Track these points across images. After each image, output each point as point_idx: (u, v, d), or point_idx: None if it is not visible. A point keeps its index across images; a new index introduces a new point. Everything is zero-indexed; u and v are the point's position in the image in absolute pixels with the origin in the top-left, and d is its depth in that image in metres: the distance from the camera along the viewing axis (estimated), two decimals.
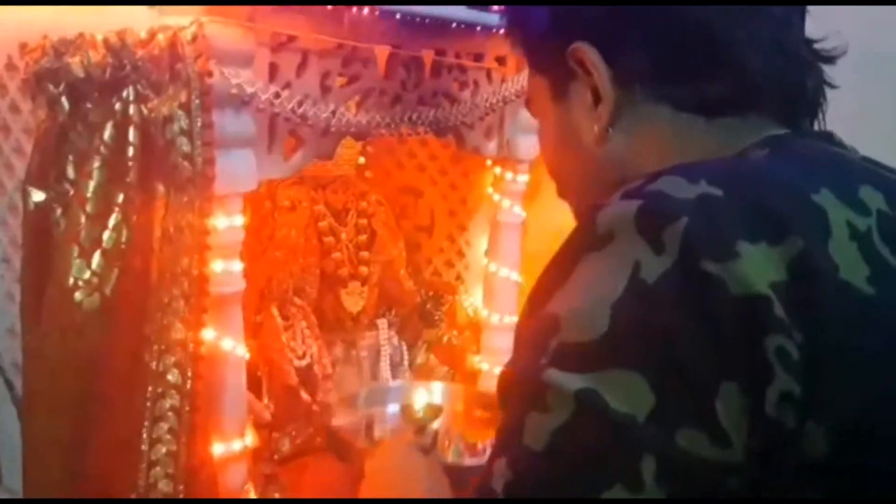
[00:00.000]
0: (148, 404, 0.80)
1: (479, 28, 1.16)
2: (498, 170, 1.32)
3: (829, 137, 0.53)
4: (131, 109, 0.78)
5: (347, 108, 0.99)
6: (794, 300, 0.37)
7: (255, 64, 0.85)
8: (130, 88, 0.78)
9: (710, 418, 0.36)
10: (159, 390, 0.81)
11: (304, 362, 1.26)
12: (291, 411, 1.22)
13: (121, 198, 0.79)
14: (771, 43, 0.51)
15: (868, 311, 0.39)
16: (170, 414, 0.81)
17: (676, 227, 0.39)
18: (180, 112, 0.78)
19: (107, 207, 0.78)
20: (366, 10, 0.95)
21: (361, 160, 1.49)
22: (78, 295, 0.77)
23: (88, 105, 0.82)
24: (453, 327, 1.44)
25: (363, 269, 1.38)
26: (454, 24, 1.12)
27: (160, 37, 0.78)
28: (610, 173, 0.54)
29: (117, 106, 0.79)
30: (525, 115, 1.27)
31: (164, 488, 0.79)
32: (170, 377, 0.80)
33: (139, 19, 0.82)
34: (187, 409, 0.81)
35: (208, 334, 0.82)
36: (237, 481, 0.88)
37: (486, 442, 1.09)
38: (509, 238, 1.35)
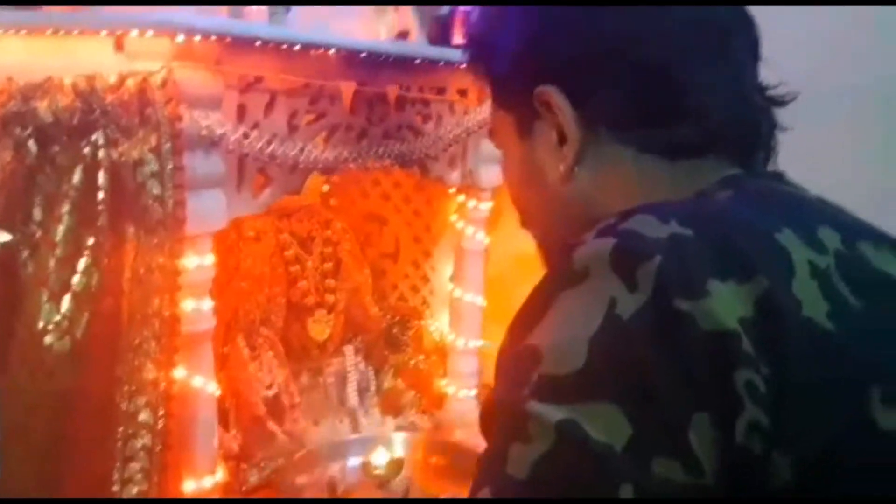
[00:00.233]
0: (119, 444, 0.81)
1: (441, 63, 1.20)
2: (461, 198, 1.35)
3: (780, 177, 0.56)
4: (101, 153, 0.79)
5: (315, 144, 1.01)
6: (760, 336, 0.39)
7: (223, 105, 0.86)
8: (100, 132, 0.79)
9: (684, 448, 0.38)
10: (130, 430, 0.81)
11: (271, 392, 1.27)
12: (259, 442, 1.23)
13: (91, 241, 0.79)
14: (728, 89, 0.54)
15: (828, 345, 0.41)
16: (141, 454, 0.81)
17: (650, 266, 0.41)
18: (150, 156, 0.79)
19: (76, 251, 0.79)
20: (332, 49, 0.98)
21: (325, 188, 1.51)
22: (48, 338, 0.77)
23: (56, 148, 0.82)
24: (420, 352, 1.46)
25: (329, 297, 1.40)
26: (417, 60, 1.15)
27: (129, 82, 0.79)
28: (574, 210, 0.56)
29: (86, 150, 0.79)
30: (487, 145, 1.31)
31: None
32: (141, 417, 0.81)
33: (106, 63, 0.83)
34: (159, 448, 0.82)
35: (179, 373, 0.83)
36: None
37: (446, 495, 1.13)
38: (473, 264, 1.38)
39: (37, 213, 0.84)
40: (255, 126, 0.92)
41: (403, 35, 1.25)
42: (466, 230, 1.35)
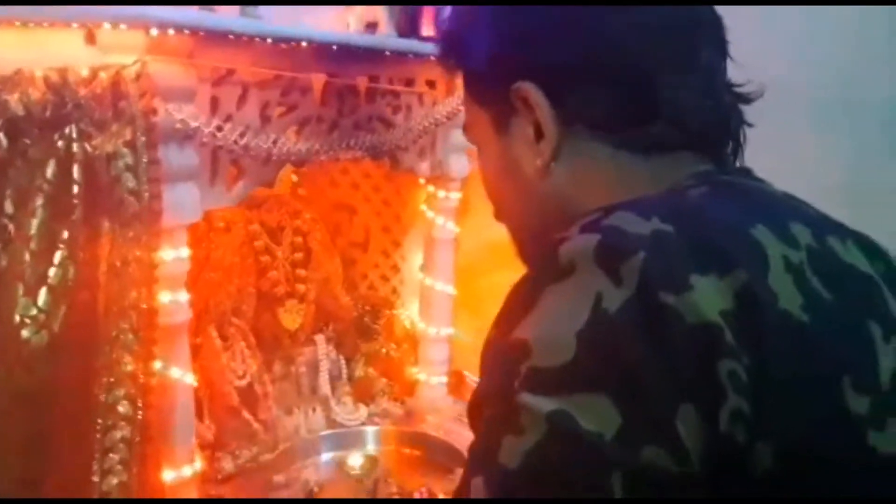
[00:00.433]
0: (98, 436, 0.82)
1: (410, 55, 1.21)
2: (431, 188, 1.37)
3: (748, 173, 0.58)
4: (75, 147, 0.79)
5: (287, 136, 1.01)
6: (741, 327, 0.41)
7: (196, 98, 0.87)
8: (73, 126, 0.79)
9: (672, 436, 0.39)
10: (109, 422, 0.82)
11: (244, 382, 1.27)
12: (233, 431, 1.23)
13: (66, 234, 0.79)
14: (701, 88, 0.55)
15: (804, 336, 0.43)
16: (121, 445, 0.82)
17: (634, 261, 0.42)
18: (125, 149, 0.79)
19: (51, 244, 0.79)
20: (303, 41, 0.98)
21: (294, 178, 1.51)
22: (25, 332, 0.77)
23: (27, 141, 0.82)
24: (391, 340, 1.48)
25: (300, 287, 1.41)
26: (387, 52, 1.16)
27: (102, 75, 0.79)
28: (550, 204, 0.58)
29: (60, 143, 0.79)
30: (456, 136, 1.33)
31: None
32: (120, 409, 0.82)
33: (76, 56, 0.82)
34: (138, 439, 0.83)
35: (157, 365, 0.84)
36: None
37: (421, 490, 1.16)
38: (443, 253, 1.40)
39: (8, 207, 0.83)
40: (228, 119, 0.92)
41: (372, 26, 1.25)
42: (436, 220, 1.37)
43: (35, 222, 0.79)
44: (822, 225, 0.51)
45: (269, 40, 0.93)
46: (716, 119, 0.57)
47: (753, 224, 0.46)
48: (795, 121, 1.14)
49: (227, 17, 0.88)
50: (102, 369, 0.81)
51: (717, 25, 0.58)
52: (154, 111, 0.80)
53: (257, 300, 1.36)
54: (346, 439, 1.32)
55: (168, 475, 0.88)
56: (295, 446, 1.28)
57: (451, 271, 1.41)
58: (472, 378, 1.47)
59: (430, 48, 1.25)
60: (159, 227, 0.81)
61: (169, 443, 0.88)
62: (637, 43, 0.55)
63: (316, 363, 1.42)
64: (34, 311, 0.77)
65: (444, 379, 1.45)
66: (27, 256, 0.78)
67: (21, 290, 0.77)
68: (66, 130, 0.79)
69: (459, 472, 1.10)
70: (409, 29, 1.30)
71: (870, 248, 0.53)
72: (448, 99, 1.28)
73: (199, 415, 1.21)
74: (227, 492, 1.15)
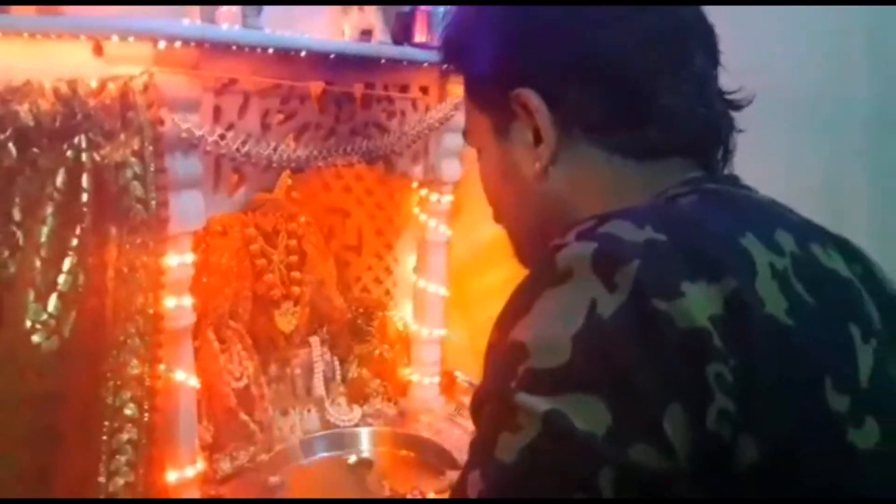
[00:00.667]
0: (105, 438, 0.84)
1: (404, 62, 1.24)
2: (424, 191, 1.40)
3: (736, 181, 0.61)
4: (84, 156, 0.81)
5: (287, 143, 1.04)
6: (729, 331, 0.43)
7: (200, 108, 0.89)
8: (82, 136, 0.81)
9: (659, 435, 0.42)
10: (116, 425, 0.84)
11: (241, 383, 1.29)
12: (231, 432, 1.25)
13: (75, 241, 0.81)
14: (693, 95, 0.58)
15: (788, 339, 0.45)
16: (127, 447, 0.84)
17: (628, 269, 0.44)
18: (133, 159, 0.81)
19: (61, 251, 0.81)
20: (302, 51, 1.01)
21: (288, 182, 1.53)
22: (36, 337, 0.79)
23: (36, 150, 0.84)
24: (384, 341, 1.50)
25: (295, 290, 1.43)
26: (382, 60, 1.19)
27: (111, 86, 0.81)
28: (547, 206, 0.60)
29: (69, 153, 0.81)
30: (449, 141, 1.36)
31: None
32: (127, 411, 0.84)
33: (83, 67, 0.84)
34: (144, 441, 0.85)
35: (162, 368, 0.86)
36: None
37: (414, 492, 1.18)
38: (436, 255, 1.42)
39: (16, 214, 0.86)
40: (231, 127, 0.94)
41: (367, 33, 1.27)
42: (429, 223, 1.40)
43: (45, 230, 0.81)
44: (805, 231, 0.54)
45: (270, 50, 0.96)
46: (707, 125, 0.59)
47: (742, 233, 0.49)
48: (776, 123, 1.17)
49: (230, 28, 0.90)
50: (110, 373, 0.83)
51: (710, 34, 0.61)
52: (161, 121, 0.82)
53: (253, 303, 1.38)
54: (340, 440, 1.35)
55: (172, 476, 0.90)
56: (291, 447, 1.30)
57: (443, 273, 1.43)
58: (464, 378, 1.50)
59: (423, 55, 1.28)
60: (166, 234, 0.84)
61: (173, 444, 0.90)
62: (632, 50, 0.57)
63: (310, 365, 1.44)
64: (45, 317, 0.79)
65: (437, 379, 1.47)
66: (38, 263, 0.80)
67: (32, 297, 0.79)
68: (76, 140, 0.81)
69: (451, 474, 1.14)
70: (402, 36, 1.33)
71: (848, 252, 0.56)
72: (440, 105, 1.30)
73: (198, 416, 1.23)
74: (225, 492, 1.17)
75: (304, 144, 1.06)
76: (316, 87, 1.09)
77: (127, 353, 0.83)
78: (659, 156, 0.58)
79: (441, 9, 1.33)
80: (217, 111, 0.93)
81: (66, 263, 0.81)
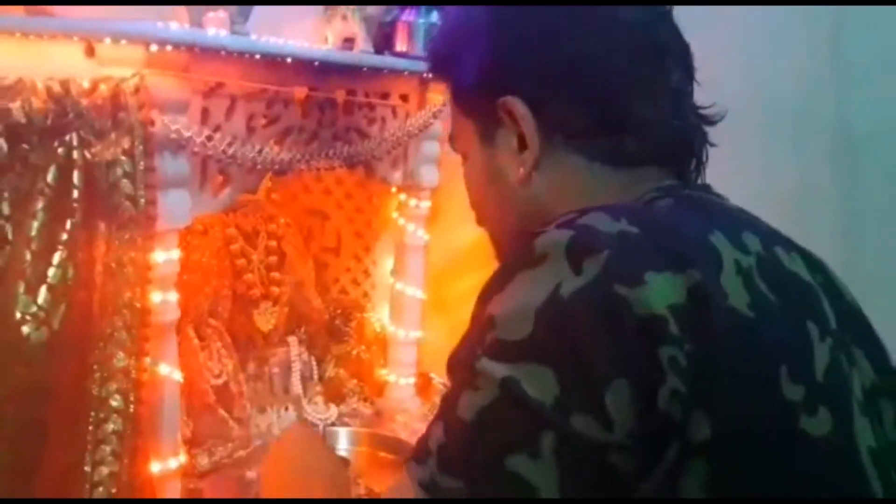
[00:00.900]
0: (91, 428, 0.86)
1: (385, 70, 1.28)
2: (403, 196, 1.43)
3: (707, 189, 0.65)
4: (75, 154, 0.83)
5: (270, 146, 1.07)
6: (688, 319, 0.46)
7: (189, 110, 0.92)
8: (74, 134, 0.83)
9: (600, 408, 0.45)
10: (102, 415, 0.86)
11: (220, 380, 1.32)
12: (210, 428, 1.28)
13: (64, 236, 0.83)
14: (668, 109, 0.62)
15: (748, 330, 0.48)
16: (112, 437, 0.86)
17: (599, 257, 0.48)
18: (123, 157, 0.84)
19: (51, 245, 0.83)
20: (288, 57, 1.04)
21: (268, 184, 1.56)
22: (25, 328, 0.81)
23: (26, 147, 0.86)
24: (361, 342, 1.54)
25: (274, 290, 1.45)
26: (364, 68, 1.22)
27: (103, 87, 0.84)
28: (529, 209, 0.63)
29: (60, 150, 0.83)
30: (427, 147, 1.40)
31: None
32: (113, 402, 0.86)
33: (74, 67, 0.87)
34: (129, 432, 0.87)
35: (148, 361, 0.88)
36: (173, 497, 0.95)
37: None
38: (414, 259, 1.46)
39: (5, 208, 0.88)
40: (217, 129, 0.97)
41: (349, 41, 1.31)
42: (407, 227, 1.44)
43: (36, 224, 0.83)
44: (771, 237, 0.58)
45: (257, 56, 0.99)
46: (681, 137, 0.63)
47: (711, 231, 0.53)
48: (748, 133, 1.23)
49: (219, 33, 0.93)
50: (96, 364, 0.86)
51: (686, 52, 0.65)
52: (151, 122, 0.85)
53: (233, 302, 1.40)
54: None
55: (155, 467, 0.93)
56: (268, 443, 1.33)
57: (420, 276, 1.47)
58: (439, 380, 1.53)
59: (403, 64, 1.32)
60: (154, 231, 0.86)
61: (157, 436, 0.92)
62: (612, 64, 0.61)
63: (288, 364, 1.46)
64: (34, 309, 0.82)
65: (412, 380, 1.51)
66: (28, 256, 0.82)
67: (22, 289, 0.81)
68: (67, 138, 0.84)
69: None
70: (384, 45, 1.37)
71: (811, 262, 0.60)
72: (420, 112, 1.35)
73: None
74: (204, 486, 1.19)
75: (287, 148, 1.09)
76: (300, 92, 1.13)
77: (113, 346, 0.86)
78: (635, 164, 0.62)
79: (420, 19, 1.38)
80: (205, 113, 0.96)
81: (56, 257, 0.83)
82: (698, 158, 0.65)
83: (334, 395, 1.48)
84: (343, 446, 1.37)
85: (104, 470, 0.86)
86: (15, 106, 0.84)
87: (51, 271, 0.83)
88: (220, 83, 0.97)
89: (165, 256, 0.90)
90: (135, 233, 0.85)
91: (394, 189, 1.43)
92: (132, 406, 0.87)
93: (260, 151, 1.02)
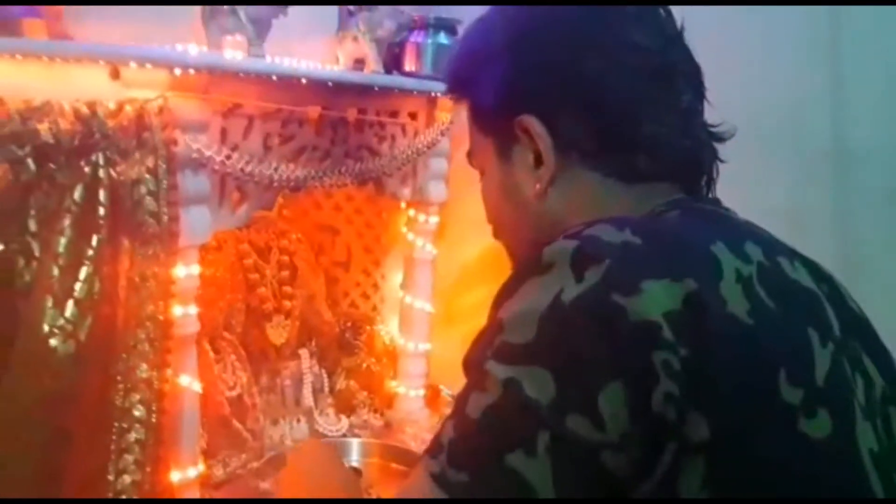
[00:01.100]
0: (114, 438, 0.89)
1: (395, 90, 1.31)
2: (412, 212, 1.46)
3: (717, 202, 0.68)
4: (101, 173, 0.87)
5: (285, 164, 1.10)
6: (684, 325, 0.48)
7: (209, 130, 0.95)
8: (100, 154, 0.87)
9: (593, 408, 0.48)
10: (125, 425, 0.89)
11: (234, 392, 1.34)
12: (224, 439, 1.30)
13: (91, 252, 0.87)
14: (679, 128, 0.65)
15: (747, 336, 0.50)
16: (135, 446, 0.89)
17: (600, 266, 0.50)
18: (147, 176, 0.87)
19: (78, 260, 0.86)
20: (303, 78, 1.08)
21: (280, 200, 1.59)
22: (53, 341, 0.84)
23: (53, 166, 0.89)
24: (371, 355, 1.56)
25: (286, 303, 1.48)
26: (375, 87, 1.26)
27: (128, 108, 0.87)
28: (544, 223, 0.65)
29: (87, 169, 0.87)
30: (435, 164, 1.44)
31: None
32: (135, 413, 0.89)
33: (99, 90, 0.90)
34: (151, 441, 0.90)
35: (170, 372, 0.91)
36: None
37: None
38: (422, 273, 1.49)
39: (32, 226, 0.91)
40: (235, 148, 1.01)
41: (360, 62, 1.35)
42: (416, 241, 1.47)
43: (63, 240, 0.86)
44: (774, 246, 0.60)
45: (273, 77, 1.03)
46: (692, 155, 0.66)
47: (713, 241, 0.55)
48: (744, 149, 1.26)
49: (238, 55, 0.97)
50: (120, 376, 0.89)
51: (697, 72, 0.68)
52: (174, 141, 0.88)
53: (246, 315, 1.43)
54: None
55: (175, 476, 0.95)
56: (281, 454, 1.35)
57: (429, 290, 1.50)
58: (448, 392, 1.56)
59: (412, 83, 1.35)
60: (176, 247, 0.89)
61: (177, 446, 0.95)
62: (626, 86, 0.64)
63: (300, 376, 1.49)
64: (62, 322, 0.85)
65: (422, 392, 1.53)
66: (56, 272, 0.85)
67: (50, 303, 0.85)
68: (93, 158, 0.87)
69: None
70: (393, 65, 1.41)
71: (818, 272, 0.63)
72: (428, 130, 1.38)
73: None
74: (219, 496, 1.22)
75: (301, 165, 1.13)
76: (313, 111, 1.16)
77: (137, 358, 0.89)
78: (648, 180, 0.64)
79: (429, 40, 1.42)
80: (224, 133, 0.99)
81: (83, 272, 0.86)
82: (708, 174, 0.68)
83: (345, 406, 1.50)
84: (355, 457, 1.39)
85: (127, 478, 0.89)
86: (43, 127, 0.88)
87: (77, 286, 0.86)
88: (238, 104, 1.01)
89: (186, 271, 0.93)
90: (158, 248, 0.88)
91: (403, 205, 1.46)
92: (154, 416, 0.90)
93: (276, 169, 1.06)
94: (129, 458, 0.89)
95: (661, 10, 0.67)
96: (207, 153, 0.93)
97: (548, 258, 0.54)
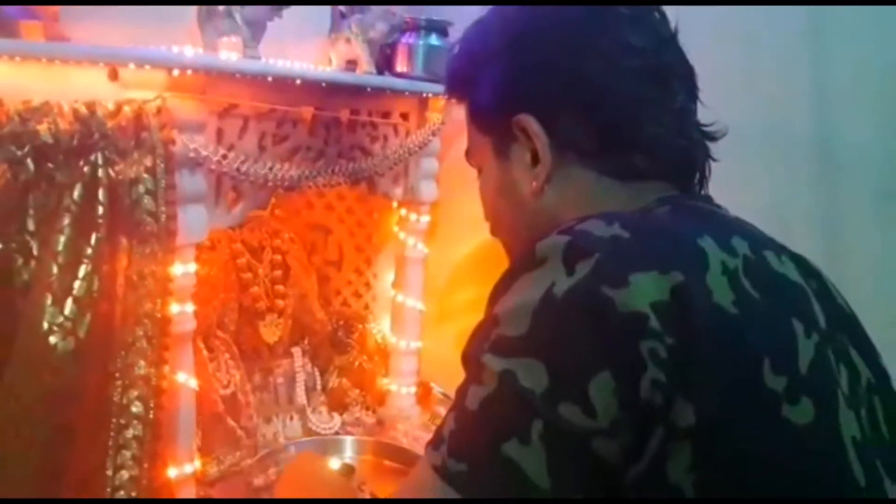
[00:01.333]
0: (112, 434, 0.90)
1: (387, 90, 1.33)
2: (403, 211, 1.48)
3: (708, 199, 0.70)
4: (100, 172, 0.88)
5: (280, 163, 1.11)
6: (670, 315, 0.50)
7: (205, 130, 0.97)
8: (98, 154, 0.88)
9: (584, 396, 0.49)
10: (123, 421, 0.90)
11: (228, 391, 1.35)
12: (218, 437, 1.31)
13: (89, 250, 0.88)
14: (674, 127, 0.66)
15: (732, 325, 0.52)
16: (133, 443, 0.90)
17: (590, 260, 0.52)
18: (146, 175, 0.89)
19: (76, 259, 0.87)
20: (297, 79, 1.09)
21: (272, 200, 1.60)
22: (53, 338, 0.85)
23: (51, 166, 0.90)
24: (363, 353, 1.58)
25: (279, 302, 1.50)
26: (367, 88, 1.28)
27: (126, 109, 0.88)
28: (541, 220, 0.66)
29: (86, 169, 0.88)
30: (427, 164, 1.46)
31: None
32: (133, 409, 0.90)
33: (97, 90, 0.92)
34: (149, 437, 0.91)
35: (167, 369, 0.93)
36: None
37: None
38: (414, 271, 1.51)
39: (30, 225, 0.92)
40: (231, 148, 1.02)
41: (352, 63, 1.36)
42: (408, 240, 1.49)
43: (62, 239, 0.87)
44: (761, 241, 0.62)
45: (268, 78, 1.04)
46: (685, 154, 0.68)
47: (700, 235, 0.57)
48: (729, 149, 1.29)
49: (233, 57, 0.98)
50: (118, 373, 0.90)
51: (691, 74, 0.70)
52: (172, 141, 0.90)
53: (239, 314, 1.44)
54: (324, 447, 1.41)
55: (172, 472, 0.96)
56: (274, 452, 1.36)
57: (420, 288, 1.52)
58: (439, 389, 1.58)
59: (404, 84, 1.37)
60: (173, 245, 0.91)
61: (174, 442, 0.96)
62: (622, 87, 0.65)
63: (293, 374, 1.51)
64: (61, 320, 0.86)
65: (413, 389, 1.55)
66: (55, 270, 0.86)
67: (49, 301, 0.86)
68: (92, 157, 0.88)
69: None
70: (385, 66, 1.42)
71: (805, 267, 0.65)
72: (420, 130, 1.40)
73: None
74: (214, 493, 1.23)
75: (295, 165, 1.14)
76: (307, 112, 1.17)
77: (134, 355, 0.90)
78: (642, 178, 0.66)
79: (420, 41, 1.43)
80: (220, 133, 1.00)
81: (82, 270, 0.87)
82: (701, 173, 0.70)
83: (337, 404, 1.52)
84: (348, 455, 1.41)
85: (125, 474, 0.90)
86: (42, 127, 0.89)
87: (76, 284, 0.87)
88: (234, 104, 1.02)
89: (184, 269, 0.94)
90: (155, 247, 0.89)
91: (395, 204, 1.48)
92: (152, 412, 0.91)
93: (271, 169, 1.07)
94: (127, 454, 0.90)
95: (656, 12, 0.69)
96: (204, 153, 0.94)
97: (540, 253, 0.55)
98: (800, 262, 0.64)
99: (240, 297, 1.44)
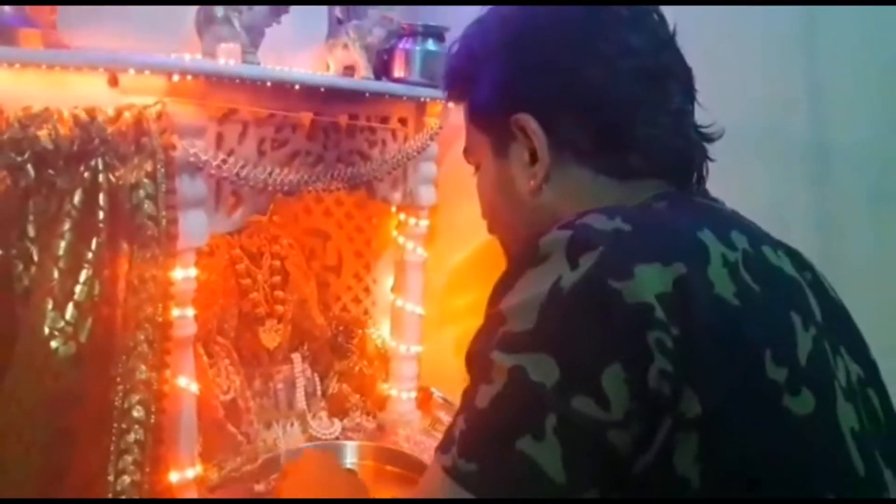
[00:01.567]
0: (114, 438, 0.90)
1: (385, 95, 1.34)
2: (402, 216, 1.49)
3: (705, 194, 0.71)
4: (100, 177, 0.88)
5: (279, 169, 1.12)
6: (674, 306, 0.51)
7: (205, 135, 0.97)
8: (99, 159, 0.88)
9: (597, 389, 0.50)
10: (124, 426, 0.90)
11: (228, 396, 1.35)
12: (219, 443, 1.31)
13: (90, 255, 0.88)
14: (670, 128, 0.67)
15: (734, 316, 0.53)
16: (134, 447, 0.90)
17: (594, 253, 0.52)
18: (146, 180, 0.89)
19: (77, 264, 0.88)
20: (296, 84, 1.10)
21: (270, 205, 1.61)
22: (54, 343, 0.85)
23: (52, 172, 0.91)
24: (363, 358, 1.58)
25: (278, 308, 1.50)
26: (366, 94, 1.28)
27: (127, 114, 0.89)
28: (538, 218, 0.67)
29: (86, 174, 0.88)
30: (425, 168, 1.46)
31: None
32: (135, 413, 0.90)
33: (97, 96, 0.92)
34: (150, 442, 0.91)
35: (168, 374, 0.93)
36: None
37: None
38: (413, 276, 1.51)
39: (30, 230, 0.92)
40: (231, 153, 1.03)
41: (350, 68, 1.37)
42: (407, 245, 1.49)
43: (63, 244, 0.87)
44: (759, 236, 0.63)
45: (267, 83, 1.04)
46: (682, 154, 0.69)
47: (700, 228, 0.58)
48: (724, 150, 1.29)
49: (232, 63, 0.99)
50: (119, 377, 0.90)
51: (688, 76, 0.71)
52: (173, 146, 0.90)
53: (239, 320, 1.44)
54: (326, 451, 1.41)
55: (174, 476, 0.96)
56: (275, 457, 1.36)
57: (420, 293, 1.52)
58: (439, 394, 1.58)
59: (402, 89, 1.38)
60: (174, 249, 0.91)
61: (176, 446, 0.96)
62: (620, 87, 0.66)
63: (293, 380, 1.50)
64: (62, 324, 0.86)
65: (414, 394, 1.55)
66: (56, 275, 0.87)
67: (51, 305, 0.86)
68: (92, 163, 0.89)
69: None
70: (382, 72, 1.43)
71: (800, 261, 0.66)
72: (418, 135, 1.40)
73: None
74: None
75: (295, 170, 1.15)
76: (306, 117, 1.18)
77: (136, 359, 0.90)
78: (639, 177, 0.67)
79: (417, 47, 1.44)
80: (219, 138, 1.01)
81: (83, 275, 0.87)
82: (699, 173, 0.71)
83: (338, 409, 1.52)
84: (349, 460, 1.41)
85: (126, 479, 0.90)
86: (42, 133, 0.89)
87: (77, 288, 0.87)
88: (233, 110, 1.03)
89: (184, 274, 0.94)
90: (156, 251, 0.90)
91: (393, 209, 1.49)
92: (153, 417, 0.91)
93: (270, 173, 1.08)
94: (129, 458, 0.90)
95: (655, 14, 0.70)
96: (204, 158, 0.94)
97: (544, 249, 0.56)
98: (794, 256, 0.65)
99: (239, 302, 1.45)
